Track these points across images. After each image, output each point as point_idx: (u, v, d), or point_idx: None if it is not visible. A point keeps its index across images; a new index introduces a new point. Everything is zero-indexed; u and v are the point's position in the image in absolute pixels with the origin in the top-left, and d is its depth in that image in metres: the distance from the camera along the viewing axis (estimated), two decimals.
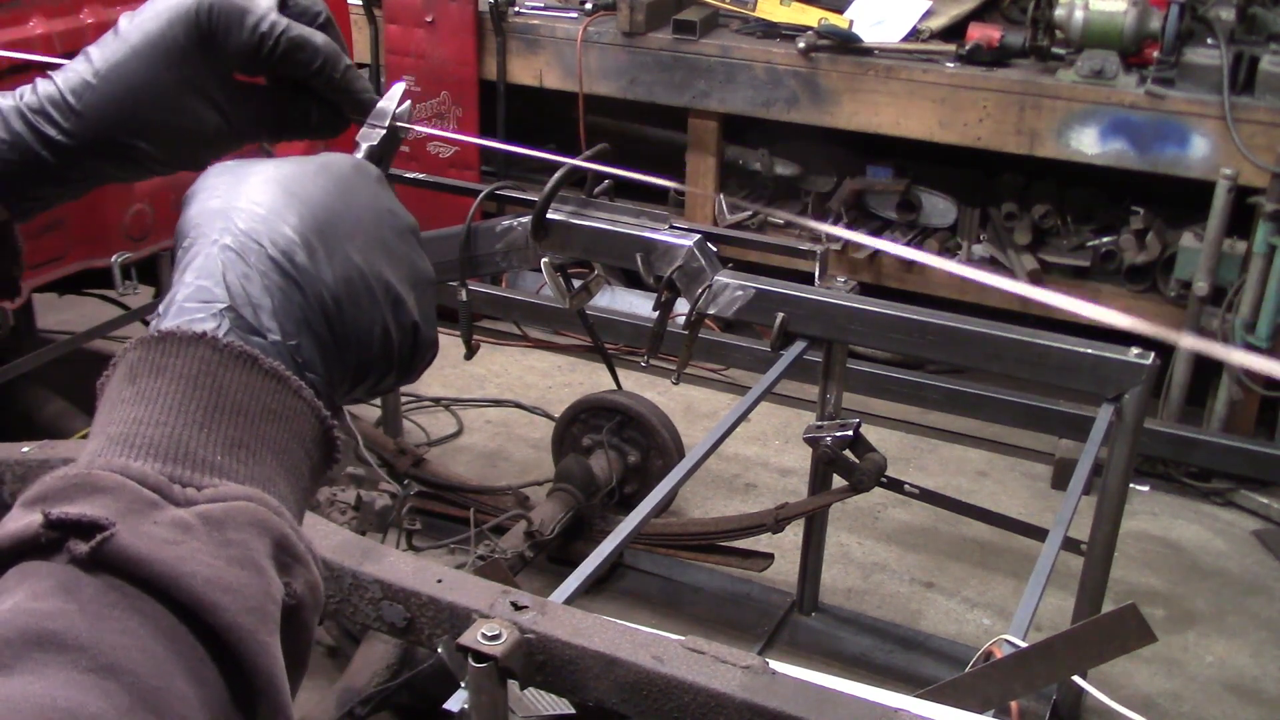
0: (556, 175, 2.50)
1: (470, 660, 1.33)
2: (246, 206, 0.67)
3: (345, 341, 0.68)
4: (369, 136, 0.86)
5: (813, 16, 4.01)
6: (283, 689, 0.55)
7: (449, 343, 4.28)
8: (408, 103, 0.88)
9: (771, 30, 4.03)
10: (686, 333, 2.57)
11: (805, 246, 2.79)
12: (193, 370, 0.60)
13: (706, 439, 2.13)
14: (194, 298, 0.64)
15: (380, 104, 0.88)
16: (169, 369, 0.60)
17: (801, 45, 3.85)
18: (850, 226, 4.18)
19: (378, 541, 2.47)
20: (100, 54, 0.83)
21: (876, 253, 4.09)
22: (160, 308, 0.65)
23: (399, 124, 0.87)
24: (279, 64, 0.84)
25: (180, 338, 0.61)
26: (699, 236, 2.50)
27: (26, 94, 0.84)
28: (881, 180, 4.16)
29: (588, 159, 2.50)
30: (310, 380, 0.65)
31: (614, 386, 3.22)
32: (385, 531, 2.67)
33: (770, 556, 2.90)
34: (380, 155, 0.86)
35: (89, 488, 0.54)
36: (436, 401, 3.94)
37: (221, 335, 0.62)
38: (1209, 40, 3.53)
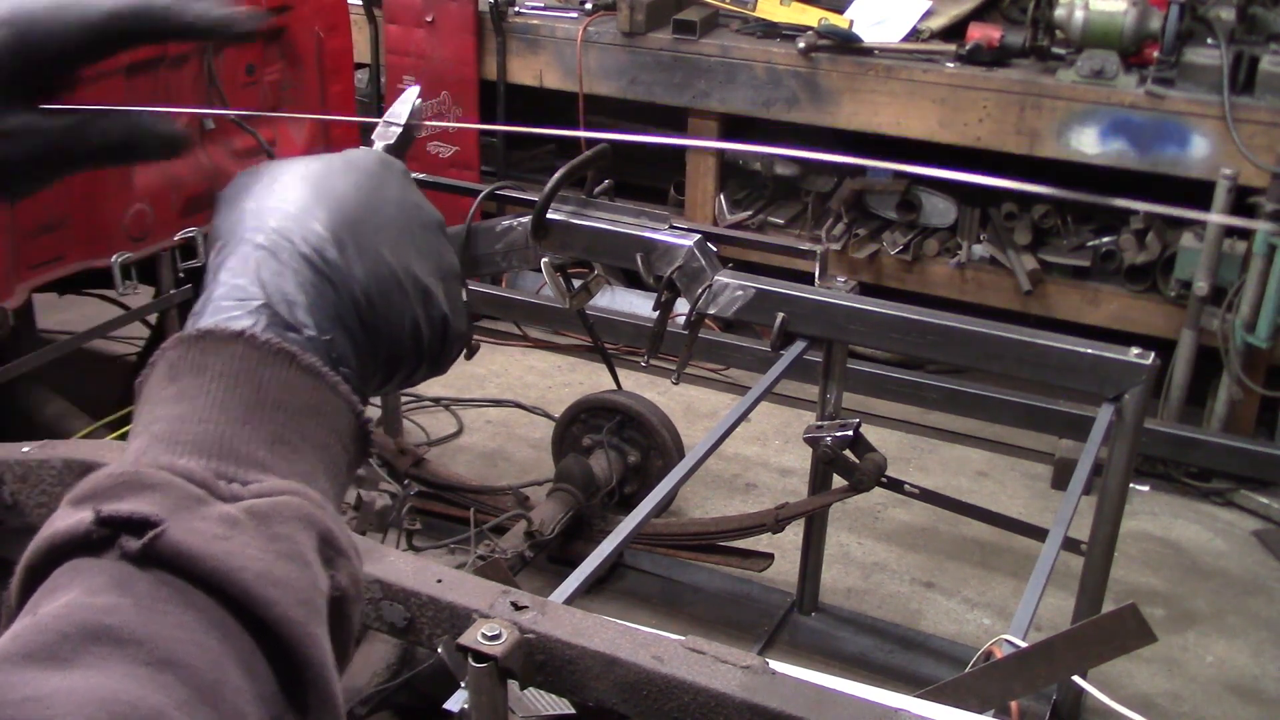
0: (556, 175, 2.50)
1: (470, 660, 1.33)
2: (277, 205, 0.68)
3: (377, 335, 0.69)
4: (385, 135, 0.86)
5: (813, 16, 4.01)
6: (332, 680, 0.56)
7: None
8: (419, 100, 0.89)
9: (771, 30, 4.03)
10: (686, 333, 2.57)
11: (805, 246, 2.79)
12: (233, 368, 0.61)
13: (706, 439, 2.14)
14: (229, 296, 0.64)
15: (394, 105, 0.88)
16: (209, 367, 0.61)
17: (801, 45, 3.85)
18: (850, 226, 4.18)
19: (378, 541, 2.48)
20: None
21: (876, 252, 4.09)
22: (196, 306, 0.66)
23: (414, 122, 0.87)
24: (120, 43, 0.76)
25: (219, 335, 0.62)
26: (699, 236, 2.50)
27: None
28: (881, 180, 4.16)
29: (586, 160, 2.50)
30: (344, 374, 0.66)
31: (614, 386, 3.23)
32: (385, 531, 2.67)
33: (770, 556, 2.90)
34: (397, 153, 0.86)
35: (137, 485, 0.55)
36: (436, 401, 3.94)
37: (259, 332, 0.62)
38: (1209, 40, 3.53)
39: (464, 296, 0.76)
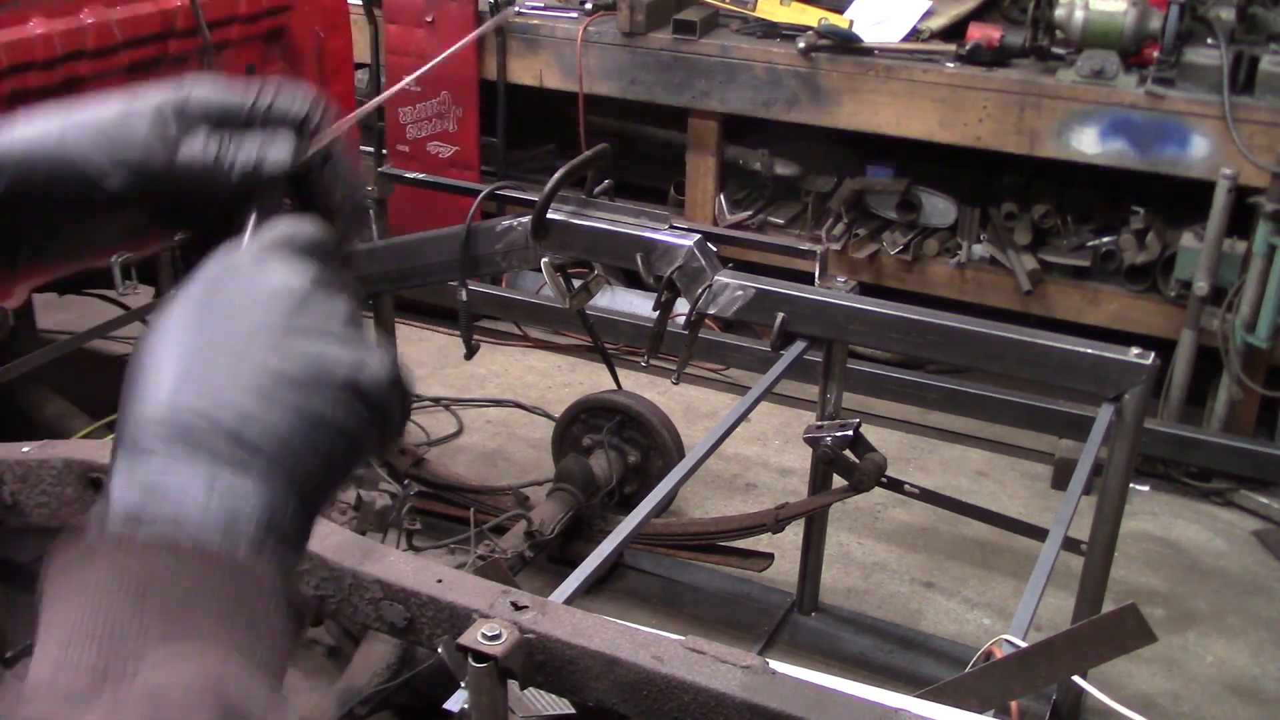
0: (556, 175, 2.50)
1: (470, 660, 1.33)
2: (136, 393, 0.67)
3: (279, 455, 0.66)
4: (256, 217, 0.81)
5: (813, 16, 4.01)
6: None
7: (449, 342, 4.30)
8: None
9: (771, 30, 4.03)
10: (686, 333, 2.57)
11: (805, 246, 2.79)
12: (118, 564, 0.61)
13: (706, 439, 2.13)
14: (109, 495, 0.65)
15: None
16: (97, 565, 0.61)
17: (801, 45, 3.85)
18: (850, 226, 4.18)
19: (378, 541, 2.47)
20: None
21: (876, 252, 4.09)
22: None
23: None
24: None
25: (105, 538, 0.62)
26: (699, 236, 2.50)
27: None
28: (881, 180, 4.16)
29: (586, 160, 2.50)
30: (250, 510, 0.64)
31: (614, 386, 3.23)
32: (385, 531, 2.67)
33: (770, 556, 2.90)
34: (271, 203, 0.80)
35: (25, 697, 0.56)
36: (436, 401, 3.94)
37: (142, 514, 0.63)
38: (1209, 40, 3.53)
39: (367, 336, 0.71)
